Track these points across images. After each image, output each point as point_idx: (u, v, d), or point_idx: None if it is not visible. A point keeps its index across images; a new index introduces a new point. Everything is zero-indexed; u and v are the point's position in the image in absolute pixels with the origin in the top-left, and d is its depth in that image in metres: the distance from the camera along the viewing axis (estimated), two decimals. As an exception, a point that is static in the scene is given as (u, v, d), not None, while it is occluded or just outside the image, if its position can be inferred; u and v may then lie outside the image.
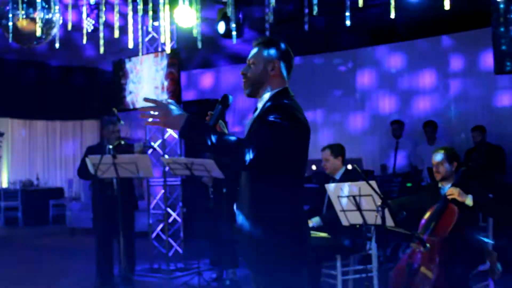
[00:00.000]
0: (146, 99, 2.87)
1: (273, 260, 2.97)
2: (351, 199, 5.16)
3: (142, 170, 7.20)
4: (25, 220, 14.70)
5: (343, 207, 5.30)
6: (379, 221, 4.92)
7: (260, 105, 3.16)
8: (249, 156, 2.79)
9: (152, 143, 9.00)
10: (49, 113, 14.26)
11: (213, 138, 2.80)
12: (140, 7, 7.36)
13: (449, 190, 5.20)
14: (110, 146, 7.49)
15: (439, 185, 5.52)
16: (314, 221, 6.16)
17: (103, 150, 7.44)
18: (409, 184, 8.74)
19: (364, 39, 10.94)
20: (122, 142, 7.51)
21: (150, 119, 2.83)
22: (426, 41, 10.24)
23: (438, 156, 5.41)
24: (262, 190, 3.01)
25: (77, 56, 12.15)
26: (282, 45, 3.22)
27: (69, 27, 6.92)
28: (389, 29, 10.17)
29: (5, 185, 16.33)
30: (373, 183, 4.86)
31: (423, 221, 5.31)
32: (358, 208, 5.14)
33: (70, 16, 6.87)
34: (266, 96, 3.16)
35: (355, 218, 5.26)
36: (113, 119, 7.64)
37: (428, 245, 4.88)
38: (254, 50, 3.22)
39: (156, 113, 2.81)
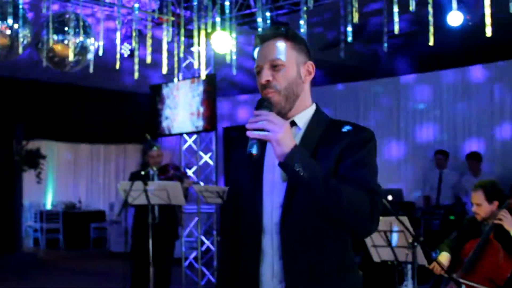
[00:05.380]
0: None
1: None
2: (382, 235, 4.93)
3: (173, 198, 7.12)
4: (66, 243, 14.77)
5: (374, 242, 5.07)
6: (410, 259, 4.70)
7: (301, 123, 2.31)
8: (376, 214, 2.13)
9: (187, 170, 8.91)
10: (93, 137, 14.38)
11: (330, 179, 2.09)
12: (182, 31, 7.38)
13: (500, 213, 4.85)
14: (154, 170, 7.43)
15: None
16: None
17: (147, 175, 7.39)
18: (451, 217, 8.42)
19: (408, 66, 10.73)
20: (172, 172, 7.40)
21: (257, 133, 2.05)
22: (471, 69, 9.94)
23: (477, 196, 4.99)
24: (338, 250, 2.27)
25: (120, 79, 12.23)
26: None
27: (100, 52, 6.91)
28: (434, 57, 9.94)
29: (49, 207, 16.52)
30: (404, 219, 4.62)
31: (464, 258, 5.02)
32: (389, 244, 4.91)
33: (102, 41, 6.85)
34: (308, 113, 2.33)
35: (386, 255, 5.02)
36: (152, 143, 7.60)
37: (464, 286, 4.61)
38: (279, 46, 2.28)
39: (274, 125, 2.05)
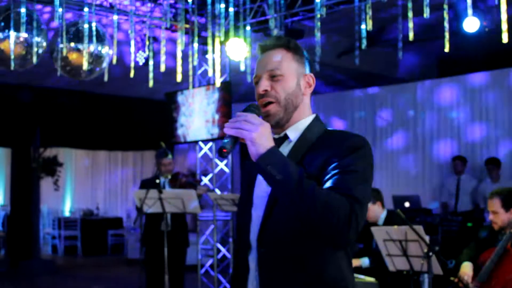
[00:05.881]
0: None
1: None
2: (397, 244, 4.87)
3: (188, 206, 7.10)
4: (84, 250, 14.81)
5: (389, 252, 5.02)
6: (425, 268, 4.64)
7: (293, 135, 2.26)
8: (354, 221, 2.00)
9: (203, 177, 8.89)
10: (110, 143, 14.44)
11: (306, 181, 1.99)
12: (196, 38, 7.37)
13: None
14: (166, 178, 7.41)
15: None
16: (362, 261, 5.89)
17: (158, 183, 7.36)
18: (469, 224, 8.32)
19: (424, 72, 10.66)
20: (184, 179, 7.38)
21: (234, 130, 2.03)
22: (488, 74, 9.83)
23: (493, 204, 4.90)
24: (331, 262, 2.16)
25: (135, 87, 12.26)
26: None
27: (114, 61, 6.92)
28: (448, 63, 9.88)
29: (67, 214, 16.60)
30: (419, 228, 4.56)
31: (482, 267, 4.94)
32: (405, 254, 4.85)
33: (115, 48, 6.86)
34: (304, 124, 2.27)
35: (401, 264, 4.96)
36: (166, 151, 7.58)
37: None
38: (279, 57, 2.25)
39: (251, 125, 2.01)
